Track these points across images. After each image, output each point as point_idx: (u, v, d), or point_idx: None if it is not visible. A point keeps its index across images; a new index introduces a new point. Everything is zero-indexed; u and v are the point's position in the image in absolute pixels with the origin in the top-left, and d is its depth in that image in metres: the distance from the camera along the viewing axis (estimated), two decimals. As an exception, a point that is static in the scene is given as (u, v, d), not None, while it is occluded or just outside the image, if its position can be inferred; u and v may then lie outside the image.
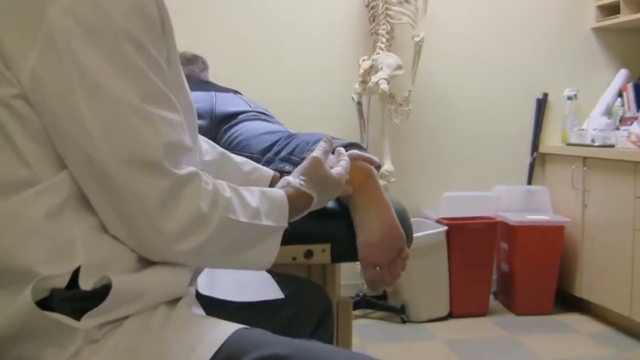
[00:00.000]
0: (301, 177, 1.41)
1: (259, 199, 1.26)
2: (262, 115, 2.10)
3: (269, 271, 1.57)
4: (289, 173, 1.57)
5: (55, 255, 1.07)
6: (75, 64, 1.05)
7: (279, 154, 1.80)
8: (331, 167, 1.47)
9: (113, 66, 1.06)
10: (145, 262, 1.14)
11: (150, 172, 1.07)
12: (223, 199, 1.17)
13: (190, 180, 1.12)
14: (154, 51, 1.12)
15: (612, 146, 4.17)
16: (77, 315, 1.06)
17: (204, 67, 2.65)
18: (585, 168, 4.18)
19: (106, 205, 1.10)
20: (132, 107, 1.07)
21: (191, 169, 1.14)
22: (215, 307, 1.35)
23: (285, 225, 1.31)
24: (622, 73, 4.62)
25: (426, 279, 4.14)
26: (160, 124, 1.09)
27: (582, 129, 4.45)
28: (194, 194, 1.12)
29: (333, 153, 1.57)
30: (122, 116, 1.06)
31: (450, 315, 4.25)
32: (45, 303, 1.06)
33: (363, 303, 4.23)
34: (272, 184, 1.64)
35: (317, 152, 1.48)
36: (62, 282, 1.06)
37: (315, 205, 1.42)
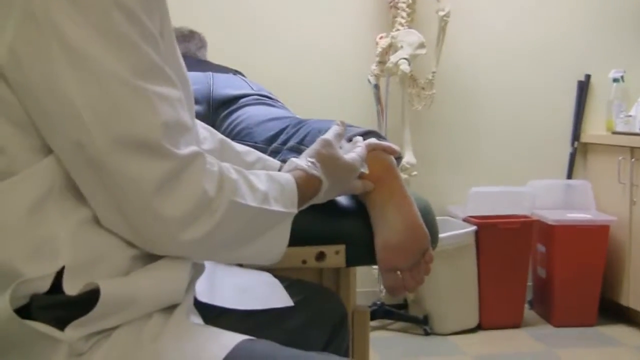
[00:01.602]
0: (309, 159, 1.42)
1: (267, 182, 1.27)
2: (267, 99, 2.10)
3: (277, 276, 1.57)
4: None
5: (37, 254, 1.07)
6: (57, 36, 1.04)
7: (287, 143, 1.80)
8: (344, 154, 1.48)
9: (101, 37, 1.06)
10: (137, 263, 1.14)
11: (148, 155, 1.07)
12: (230, 181, 1.18)
13: (193, 160, 1.12)
14: (147, 21, 1.11)
15: (664, 135, 4.16)
16: (61, 324, 1.06)
17: (202, 44, 2.66)
18: (633, 160, 4.17)
19: (100, 194, 1.10)
20: (125, 82, 1.06)
21: (194, 148, 1.14)
22: (215, 316, 1.35)
23: (295, 211, 1.32)
24: (676, 52, 4.61)
25: (452, 286, 4.14)
26: (157, 101, 1.09)
27: (630, 116, 4.44)
28: (198, 176, 1.12)
29: (349, 141, 1.57)
30: (114, 93, 1.06)
31: (479, 327, 4.25)
32: (25, 310, 1.06)
33: (381, 313, 4.24)
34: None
35: (328, 134, 1.49)
36: (44, 286, 1.06)
37: (325, 192, 1.42)
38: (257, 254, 1.30)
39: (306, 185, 1.37)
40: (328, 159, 1.43)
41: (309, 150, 1.45)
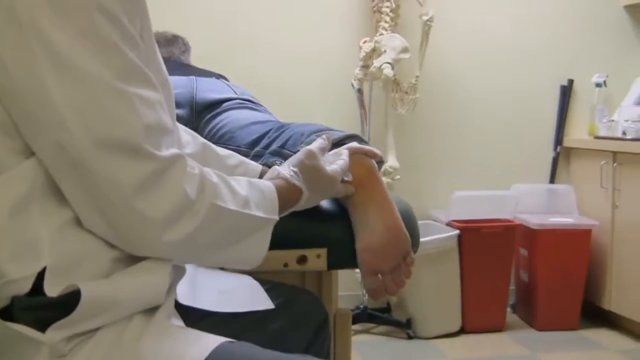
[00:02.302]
0: (291, 168, 1.42)
1: (247, 188, 1.28)
2: (250, 104, 2.11)
3: (258, 279, 1.58)
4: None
5: (18, 255, 1.07)
6: (40, 39, 1.05)
7: (269, 147, 1.81)
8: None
9: (84, 40, 1.06)
10: (119, 265, 1.15)
11: (129, 156, 1.08)
12: (211, 185, 1.19)
13: (174, 162, 1.13)
14: (127, 23, 1.12)
15: (646, 140, 4.18)
16: (42, 326, 1.07)
17: (185, 48, 2.66)
18: (615, 164, 4.19)
19: (82, 196, 1.10)
20: (107, 85, 1.07)
21: (175, 150, 1.15)
22: (196, 318, 1.36)
23: (277, 218, 1.33)
24: (658, 57, 4.64)
25: (435, 290, 4.15)
26: (138, 103, 1.10)
27: (612, 120, 4.46)
28: (179, 178, 1.13)
29: (333, 146, 1.58)
30: (96, 96, 1.07)
31: (462, 331, 4.26)
32: (6, 312, 1.06)
33: (364, 316, 4.24)
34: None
35: (312, 145, 1.49)
36: (25, 288, 1.07)
37: (304, 202, 1.43)
38: (237, 259, 1.31)
39: (287, 193, 1.38)
40: (310, 170, 1.44)
41: (292, 160, 1.46)
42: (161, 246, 1.13)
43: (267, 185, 1.35)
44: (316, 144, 1.50)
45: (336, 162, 1.51)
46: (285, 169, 1.42)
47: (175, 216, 1.12)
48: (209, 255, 1.26)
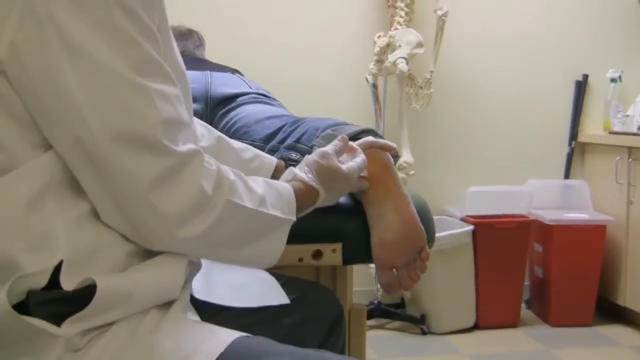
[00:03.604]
0: (306, 170, 1.42)
1: (264, 187, 1.28)
2: (264, 98, 2.10)
3: (273, 274, 1.58)
4: (295, 161, 1.57)
5: (35, 248, 1.07)
6: (58, 32, 1.05)
7: (284, 142, 1.80)
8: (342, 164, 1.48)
9: (102, 34, 1.06)
10: (134, 259, 1.15)
11: (147, 151, 1.08)
12: (227, 181, 1.19)
13: (192, 158, 1.13)
14: (146, 18, 1.12)
15: (661, 135, 4.17)
16: (57, 320, 1.07)
17: (200, 43, 2.66)
18: (630, 160, 4.18)
19: (100, 190, 1.10)
20: (125, 79, 1.07)
21: (192, 146, 1.15)
22: (212, 313, 1.36)
23: (294, 218, 1.32)
24: (673, 52, 4.62)
25: (450, 285, 4.14)
26: (156, 98, 1.10)
27: (627, 116, 4.45)
28: (196, 173, 1.13)
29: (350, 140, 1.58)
30: (114, 89, 1.07)
31: (476, 327, 4.26)
32: (22, 306, 1.06)
33: (378, 312, 4.24)
34: (276, 173, 1.64)
35: (328, 147, 1.49)
36: (42, 282, 1.07)
37: (320, 202, 1.43)
38: (252, 257, 1.31)
39: (304, 195, 1.38)
40: (326, 170, 1.43)
41: (308, 161, 1.45)
42: (176, 241, 1.13)
43: (285, 186, 1.35)
44: (331, 146, 1.50)
45: (354, 159, 1.51)
46: (301, 171, 1.42)
47: (192, 212, 1.12)
48: (224, 252, 1.25)
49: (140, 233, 1.13)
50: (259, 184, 1.28)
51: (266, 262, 1.33)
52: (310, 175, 1.41)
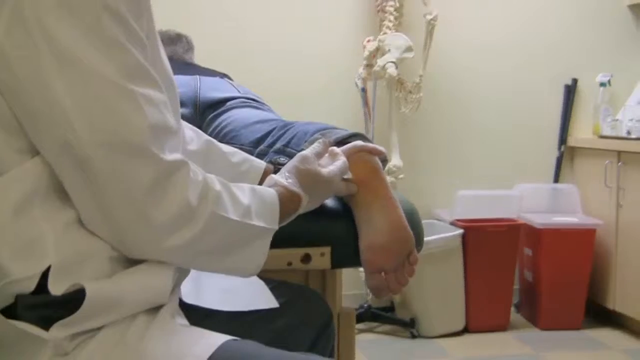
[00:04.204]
0: (287, 175, 1.41)
1: (250, 196, 1.27)
2: (253, 102, 2.10)
3: (262, 278, 1.57)
4: (283, 165, 1.57)
5: (23, 253, 1.07)
6: (46, 37, 1.05)
7: (273, 146, 1.80)
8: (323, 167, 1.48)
9: (90, 39, 1.07)
10: (122, 264, 1.15)
11: (135, 157, 1.08)
12: (213, 193, 1.18)
13: (178, 168, 1.13)
14: (134, 23, 1.12)
15: (650, 139, 4.17)
16: (46, 324, 1.07)
17: (189, 47, 2.65)
18: (620, 163, 4.19)
19: (85, 196, 1.10)
20: (113, 84, 1.07)
21: (178, 155, 1.15)
22: (201, 317, 1.36)
23: (276, 227, 1.32)
24: (662, 56, 4.63)
25: (439, 289, 4.15)
26: (143, 103, 1.10)
27: (617, 120, 4.46)
28: (183, 184, 1.13)
29: (336, 144, 1.58)
30: (101, 94, 1.07)
31: (466, 330, 4.26)
32: (10, 310, 1.06)
33: (368, 315, 4.24)
34: (265, 177, 1.64)
35: (308, 150, 1.49)
36: (29, 287, 1.07)
37: (304, 208, 1.42)
38: (235, 267, 1.30)
39: (287, 201, 1.37)
40: (306, 174, 1.43)
41: (288, 166, 1.45)
42: (160, 251, 1.14)
43: (270, 193, 1.34)
44: (311, 149, 1.50)
45: (334, 163, 1.50)
46: (282, 177, 1.41)
47: (176, 223, 1.12)
48: (206, 262, 1.25)
49: (124, 241, 1.12)
50: (245, 192, 1.27)
51: (248, 271, 1.33)
52: (290, 180, 1.40)
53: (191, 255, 1.20)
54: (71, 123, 1.06)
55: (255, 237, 1.28)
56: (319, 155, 1.50)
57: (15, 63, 1.06)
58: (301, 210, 1.42)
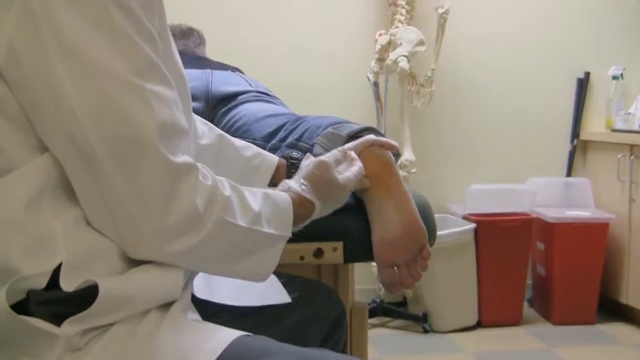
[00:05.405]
0: (302, 182, 1.40)
1: (262, 202, 1.26)
2: (265, 96, 2.10)
3: (274, 272, 1.57)
4: (297, 160, 1.57)
5: (34, 250, 1.07)
6: (55, 32, 1.04)
7: (285, 140, 1.80)
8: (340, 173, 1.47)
9: (99, 33, 1.05)
10: (133, 261, 1.14)
11: (141, 156, 1.07)
12: (222, 198, 1.17)
13: (187, 171, 1.11)
14: (145, 19, 1.11)
15: (663, 132, 4.16)
16: (57, 320, 1.06)
17: (201, 41, 2.65)
18: (632, 157, 4.17)
19: (91, 193, 1.09)
20: (122, 80, 1.06)
21: (188, 158, 1.13)
22: (213, 312, 1.36)
23: (289, 234, 1.30)
24: (676, 49, 4.61)
25: (452, 284, 4.14)
26: (153, 100, 1.08)
27: (629, 113, 4.45)
28: (190, 189, 1.11)
29: (349, 138, 1.57)
30: (110, 90, 1.06)
31: (478, 325, 4.26)
32: (21, 306, 1.05)
33: (380, 310, 4.24)
34: (277, 171, 1.64)
35: (326, 156, 1.47)
36: (41, 282, 1.06)
37: (316, 215, 1.40)
38: (244, 272, 1.29)
39: (299, 208, 1.35)
40: (321, 181, 1.41)
41: (303, 171, 1.43)
42: (162, 254, 1.13)
43: (284, 198, 1.32)
44: (331, 155, 1.49)
45: (350, 169, 1.49)
46: (296, 183, 1.39)
47: (181, 228, 1.11)
48: (214, 267, 1.25)
49: (129, 240, 1.11)
50: (257, 198, 1.25)
51: (259, 276, 1.32)
52: (304, 187, 1.38)
53: (197, 260, 1.19)
54: (78, 119, 1.05)
55: (265, 244, 1.27)
56: (338, 162, 1.49)
57: (25, 59, 1.05)
58: (313, 217, 1.40)
